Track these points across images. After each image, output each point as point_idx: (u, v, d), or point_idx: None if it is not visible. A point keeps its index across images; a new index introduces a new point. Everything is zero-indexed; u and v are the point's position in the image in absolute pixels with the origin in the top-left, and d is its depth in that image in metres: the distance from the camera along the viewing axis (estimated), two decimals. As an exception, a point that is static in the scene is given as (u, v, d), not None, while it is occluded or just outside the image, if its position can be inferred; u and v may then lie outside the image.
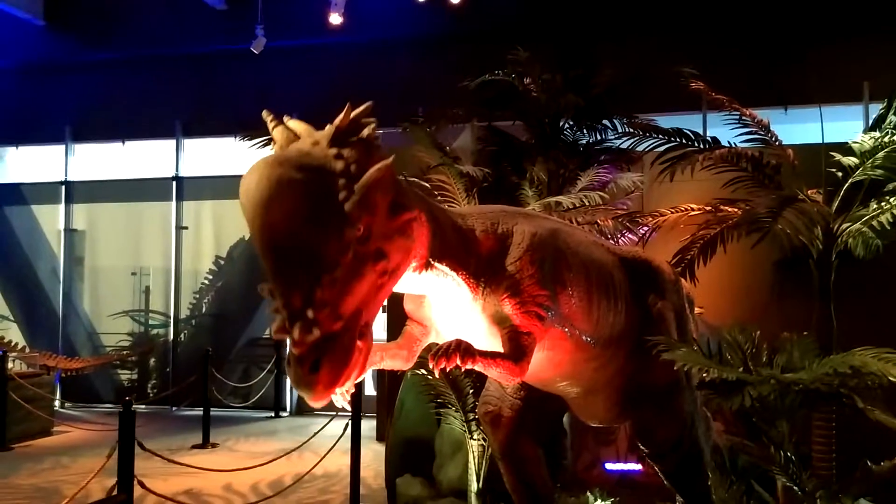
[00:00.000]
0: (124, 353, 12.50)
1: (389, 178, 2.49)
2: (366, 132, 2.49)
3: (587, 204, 6.22)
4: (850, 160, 4.37)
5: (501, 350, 3.08)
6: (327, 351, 2.29)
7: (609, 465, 6.36)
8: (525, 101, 7.49)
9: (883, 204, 4.37)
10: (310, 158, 2.36)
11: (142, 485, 4.87)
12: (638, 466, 6.19)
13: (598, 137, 7.56)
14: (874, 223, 4.45)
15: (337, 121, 2.46)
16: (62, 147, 13.18)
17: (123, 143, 13.05)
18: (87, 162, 13.30)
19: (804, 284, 4.65)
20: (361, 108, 2.51)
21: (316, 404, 2.44)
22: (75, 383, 12.03)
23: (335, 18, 10.68)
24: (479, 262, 3.13)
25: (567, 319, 3.34)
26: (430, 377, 5.24)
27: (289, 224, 2.24)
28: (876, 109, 4.79)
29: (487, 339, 3.20)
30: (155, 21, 12.20)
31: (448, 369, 2.82)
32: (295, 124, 2.57)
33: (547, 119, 7.40)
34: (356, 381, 3.27)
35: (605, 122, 7.48)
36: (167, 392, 11.44)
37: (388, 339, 3.50)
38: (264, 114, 2.62)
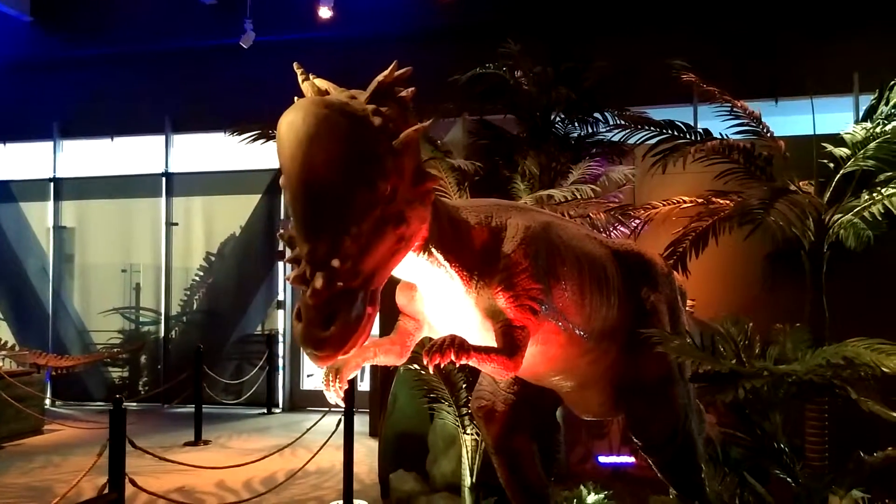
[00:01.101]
0: (115, 350, 12.43)
1: (418, 145, 2.49)
2: (404, 94, 2.50)
3: (579, 197, 6.22)
4: (842, 151, 4.37)
5: (495, 344, 3.07)
6: (343, 307, 2.26)
7: (602, 459, 6.37)
8: (516, 94, 7.49)
9: (874, 195, 4.38)
10: (353, 108, 2.34)
11: (133, 483, 4.85)
12: (631, 459, 6.21)
13: (590, 130, 7.57)
14: (865, 214, 4.46)
15: (381, 76, 2.46)
16: (50, 144, 13.08)
17: (112, 139, 12.95)
18: (76, 158, 13.20)
19: (796, 276, 4.66)
20: (402, 70, 2.51)
21: (321, 365, 2.41)
22: (66, 381, 11.95)
23: (325, 13, 10.64)
24: (472, 255, 3.11)
25: (561, 313, 3.33)
26: (423, 372, 5.22)
27: (328, 165, 2.22)
28: (866, 101, 4.79)
29: (481, 333, 3.18)
30: (143, 16, 12.10)
31: (442, 365, 2.80)
32: (321, 82, 2.55)
33: (538, 112, 7.40)
34: (351, 374, 3.26)
35: (597, 115, 7.49)
36: (158, 389, 11.39)
37: (381, 335, 3.48)
38: (295, 65, 2.58)
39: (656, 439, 3.92)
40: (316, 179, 2.23)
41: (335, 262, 2.22)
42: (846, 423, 3.88)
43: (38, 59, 12.78)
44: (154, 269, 12.71)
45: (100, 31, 12.38)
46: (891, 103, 4.34)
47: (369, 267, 2.36)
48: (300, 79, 2.56)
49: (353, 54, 10.56)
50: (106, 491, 4.63)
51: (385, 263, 2.47)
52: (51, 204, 13.10)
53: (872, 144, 4.27)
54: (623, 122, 5.66)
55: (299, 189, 2.26)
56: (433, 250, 2.89)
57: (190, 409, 9.63)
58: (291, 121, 2.24)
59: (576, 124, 7.54)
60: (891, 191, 4.33)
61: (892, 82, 4.33)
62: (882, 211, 4.38)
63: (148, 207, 12.72)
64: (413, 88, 2.54)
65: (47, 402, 11.26)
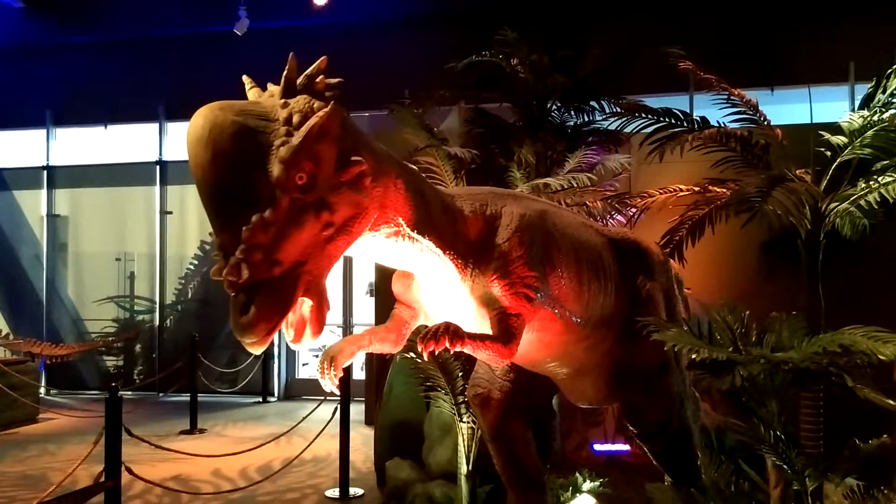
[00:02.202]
0: (110, 339, 12.41)
1: (336, 130, 2.48)
2: (319, 85, 2.51)
3: (575, 185, 6.21)
4: (839, 139, 4.35)
5: (490, 332, 3.06)
6: (260, 294, 2.33)
7: (597, 446, 6.39)
8: (512, 82, 7.46)
9: (871, 183, 4.36)
10: (257, 106, 2.44)
11: (129, 471, 4.84)
12: (626, 447, 6.23)
13: (586, 119, 7.55)
14: (862, 202, 4.44)
15: (285, 71, 2.50)
16: (43, 131, 13.01)
17: (106, 127, 12.89)
18: (70, 146, 13.14)
19: (792, 264, 4.65)
20: (315, 64, 2.54)
21: (253, 350, 2.47)
22: (60, 370, 11.94)
23: (319, 0, 10.58)
24: (467, 242, 3.10)
25: (556, 301, 3.33)
26: (419, 360, 5.21)
27: (219, 164, 2.30)
28: (861, 89, 4.78)
29: (476, 320, 3.17)
30: (137, 2, 12.01)
31: (437, 352, 2.79)
32: (271, 86, 2.59)
33: (534, 101, 7.38)
34: (346, 362, 3.26)
35: (593, 103, 7.47)
36: (153, 378, 11.40)
37: (377, 323, 3.48)
38: (245, 79, 2.66)
39: (651, 427, 3.94)
40: (210, 178, 2.32)
41: (238, 254, 2.28)
42: (841, 411, 3.88)
43: (31, 45, 12.70)
44: (148, 257, 12.68)
45: (93, 18, 12.29)
46: (888, 92, 4.31)
47: (290, 256, 2.38)
48: (247, 88, 2.63)
49: (348, 42, 10.53)
50: (102, 479, 4.62)
51: (315, 251, 2.46)
52: (44, 192, 13.04)
53: (869, 133, 4.24)
54: (619, 111, 5.62)
55: (200, 187, 2.36)
56: (417, 236, 2.87)
57: (185, 397, 9.63)
58: (190, 125, 2.36)
59: (572, 112, 7.51)
60: (887, 179, 4.31)
61: (890, 70, 4.31)
62: (878, 199, 4.37)
63: (142, 196, 12.68)
64: (338, 80, 2.55)
65: (42, 390, 11.26)
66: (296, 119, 2.40)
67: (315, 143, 2.40)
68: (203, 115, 2.35)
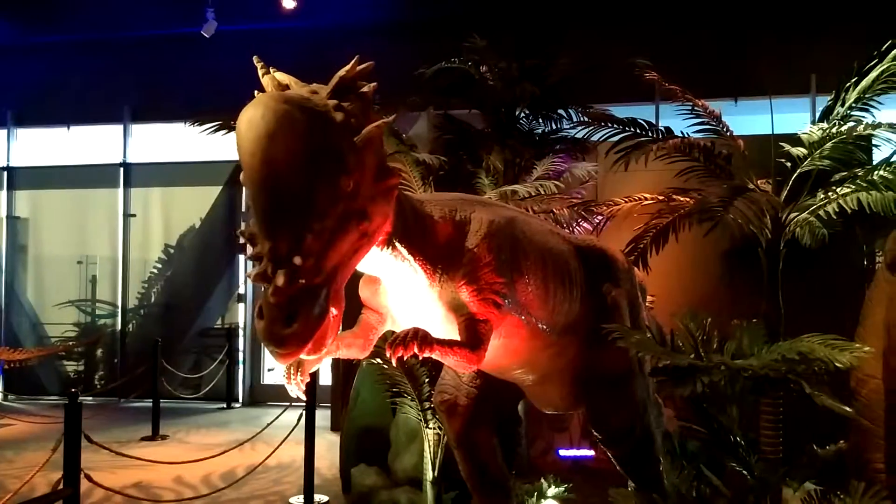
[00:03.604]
0: (70, 343, 12.18)
1: (380, 139, 2.49)
2: (366, 89, 2.48)
3: (543, 193, 6.27)
4: (799, 150, 4.46)
5: (458, 338, 3.07)
6: (306, 304, 2.25)
7: (563, 452, 6.44)
8: (481, 89, 7.50)
9: (830, 194, 4.47)
10: (312, 104, 2.32)
11: (89, 478, 4.76)
12: (591, 452, 6.28)
13: (554, 127, 7.62)
14: (821, 212, 4.56)
15: (342, 71, 2.45)
16: (4, 132, 12.75)
17: (69, 128, 12.67)
18: (31, 147, 12.89)
19: (754, 272, 4.74)
20: (364, 65, 2.50)
21: (283, 362, 2.40)
22: (19, 375, 11.69)
23: (288, 3, 10.52)
24: (436, 248, 3.11)
25: (523, 307, 3.35)
26: (385, 366, 5.21)
27: (288, 162, 2.20)
28: (823, 101, 4.89)
29: (444, 326, 3.18)
30: (103, 3, 11.81)
31: (405, 358, 2.80)
32: (282, 76, 2.52)
33: (503, 108, 7.43)
34: (313, 368, 3.24)
35: (561, 111, 7.54)
36: (115, 383, 11.18)
37: (344, 329, 3.47)
38: (255, 59, 2.54)
39: (616, 432, 3.97)
40: (276, 176, 2.22)
41: (297, 260, 2.21)
42: (800, 418, 3.96)
43: (-8, 45, 12.45)
44: (111, 260, 12.48)
45: (57, 18, 12.05)
46: (846, 104, 4.43)
47: (332, 264, 2.36)
48: (260, 73, 2.54)
49: (316, 46, 10.46)
50: (61, 487, 4.54)
51: (348, 260, 2.47)
52: (4, 193, 12.78)
53: (828, 144, 4.36)
54: (586, 119, 5.70)
55: (260, 186, 2.24)
56: (397, 244, 2.89)
57: (147, 403, 9.49)
58: (250, 117, 2.22)
59: (540, 120, 7.58)
60: (845, 190, 4.43)
61: (848, 84, 4.43)
62: (837, 210, 4.49)
63: (105, 198, 12.46)
64: (375, 84, 2.53)
65: (0, 396, 11.01)
66: (353, 123, 2.36)
67: (367, 152, 2.39)
68: (267, 107, 2.21)
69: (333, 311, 2.44)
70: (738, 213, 4.09)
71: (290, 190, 2.23)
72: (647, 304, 4.61)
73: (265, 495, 6.50)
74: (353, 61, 2.48)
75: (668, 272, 6.72)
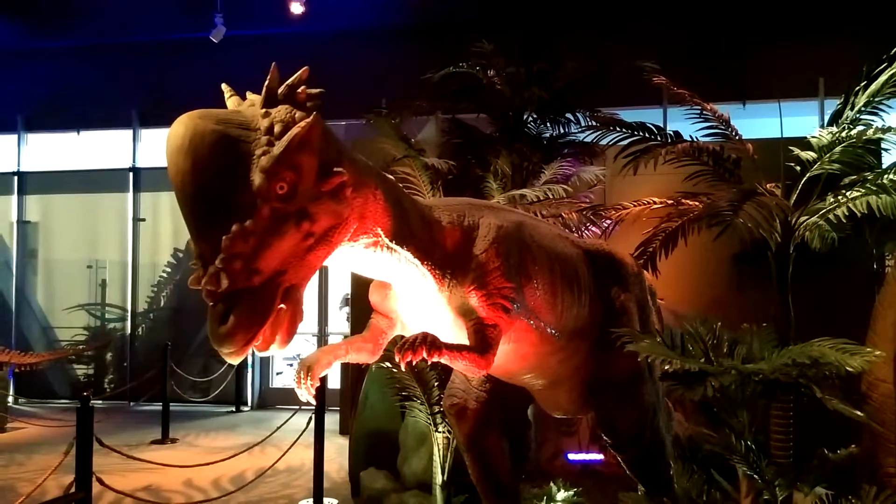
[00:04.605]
0: (80, 347, 12.24)
1: (317, 140, 2.49)
2: (301, 94, 2.52)
3: (551, 197, 6.26)
4: (809, 154, 4.44)
5: (467, 342, 3.08)
6: (240, 304, 2.32)
7: (571, 456, 6.42)
8: (489, 93, 7.51)
9: (839, 197, 4.45)
10: (237, 115, 2.44)
11: (100, 481, 4.79)
12: (600, 457, 6.26)
13: (562, 131, 7.62)
14: (830, 216, 4.54)
15: (267, 81, 2.51)
16: (14, 137, 12.84)
17: (79, 132, 12.76)
18: (41, 152, 12.97)
19: (763, 276, 4.72)
20: (297, 74, 2.55)
21: (231, 361, 2.46)
22: (30, 379, 11.72)
23: (296, 8, 10.58)
24: (445, 253, 3.12)
25: (532, 312, 3.36)
26: (395, 370, 5.22)
27: (199, 173, 2.30)
28: (831, 105, 4.89)
29: (453, 331, 3.19)
30: (112, 8, 11.88)
31: (414, 362, 2.81)
32: (251, 95, 2.59)
33: (511, 112, 7.43)
34: (323, 372, 3.25)
35: (569, 115, 7.54)
36: (125, 387, 11.24)
37: (353, 333, 3.48)
38: (224, 87, 2.65)
39: (625, 437, 3.97)
40: (190, 187, 2.31)
41: (217, 263, 2.28)
42: (811, 421, 3.95)
43: (3, 50, 12.53)
44: (120, 265, 12.54)
45: (66, 23, 12.14)
46: (856, 108, 4.41)
47: (271, 265, 2.38)
48: (227, 96, 2.63)
49: (325, 50, 10.53)
50: (72, 490, 4.56)
51: (296, 261, 2.47)
52: (14, 198, 12.87)
53: (838, 148, 4.34)
54: (594, 123, 5.69)
55: (179, 196, 2.35)
56: (398, 247, 2.89)
57: (157, 406, 9.53)
58: (170, 132, 2.34)
59: (548, 124, 7.58)
60: (855, 194, 4.41)
61: (857, 87, 4.41)
62: (846, 213, 4.46)
63: (115, 202, 12.55)
64: (318, 90, 2.57)
65: (10, 399, 11.05)
66: (277, 129, 2.41)
67: (296, 153, 2.40)
68: (183, 124, 2.33)
69: (283, 306, 2.46)
70: (748, 217, 4.09)
71: (206, 198, 2.32)
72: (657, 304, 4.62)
73: (275, 499, 6.52)
74: (271, 69, 2.51)
75: (678, 276, 6.70)
